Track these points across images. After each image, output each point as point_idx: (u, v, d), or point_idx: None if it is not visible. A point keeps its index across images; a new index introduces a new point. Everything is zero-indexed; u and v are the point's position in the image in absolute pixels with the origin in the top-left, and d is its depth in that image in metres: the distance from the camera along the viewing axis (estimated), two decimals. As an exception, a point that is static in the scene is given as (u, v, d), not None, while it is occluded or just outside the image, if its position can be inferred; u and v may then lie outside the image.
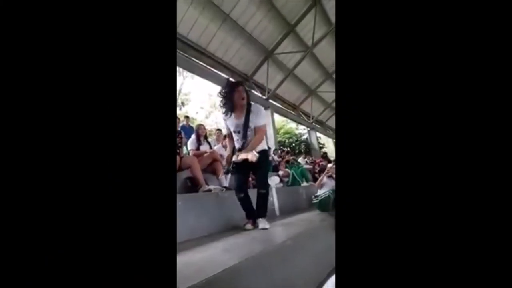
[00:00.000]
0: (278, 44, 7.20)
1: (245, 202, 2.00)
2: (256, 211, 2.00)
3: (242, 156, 1.91)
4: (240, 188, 2.01)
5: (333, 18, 7.11)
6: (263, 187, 2.02)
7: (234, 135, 2.03)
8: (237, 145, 2.03)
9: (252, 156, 1.88)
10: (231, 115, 1.97)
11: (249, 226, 1.96)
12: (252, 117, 1.95)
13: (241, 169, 1.98)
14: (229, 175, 3.16)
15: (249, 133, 1.95)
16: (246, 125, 1.94)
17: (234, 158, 1.95)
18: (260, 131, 1.97)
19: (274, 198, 2.88)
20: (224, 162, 1.90)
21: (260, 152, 1.96)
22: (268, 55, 7.29)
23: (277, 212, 2.83)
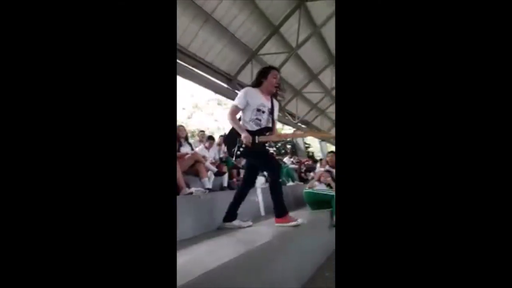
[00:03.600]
0: (262, 45, 7.20)
1: (241, 200, 1.97)
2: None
3: (274, 138, 1.99)
4: (251, 181, 2.03)
5: (317, 20, 7.22)
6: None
7: (257, 113, 1.92)
8: (264, 123, 1.94)
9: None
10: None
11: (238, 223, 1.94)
12: (275, 107, 2.00)
13: (256, 156, 1.90)
14: (213, 177, 3.09)
15: (269, 118, 1.96)
16: (272, 110, 1.96)
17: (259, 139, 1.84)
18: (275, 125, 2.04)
19: (259, 199, 2.85)
20: (245, 140, 1.77)
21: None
22: (252, 55, 7.28)
23: (263, 212, 2.80)
